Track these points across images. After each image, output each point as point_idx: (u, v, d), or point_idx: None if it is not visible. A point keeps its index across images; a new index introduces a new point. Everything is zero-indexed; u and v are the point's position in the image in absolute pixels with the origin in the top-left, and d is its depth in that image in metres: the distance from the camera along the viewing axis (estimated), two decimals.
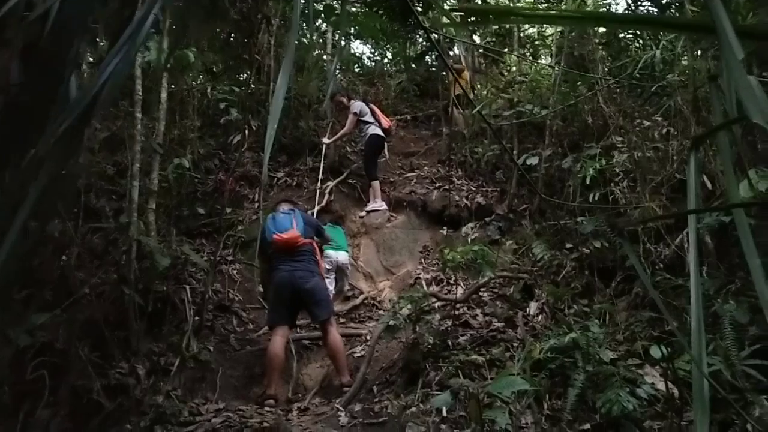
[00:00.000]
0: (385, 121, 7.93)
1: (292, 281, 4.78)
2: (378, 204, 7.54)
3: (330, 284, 5.98)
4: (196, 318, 4.96)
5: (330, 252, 6.07)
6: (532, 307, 5.04)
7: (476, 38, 10.76)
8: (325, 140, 7.87)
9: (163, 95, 6.06)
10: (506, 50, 8.50)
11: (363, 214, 7.57)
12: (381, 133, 7.76)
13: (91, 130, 6.80)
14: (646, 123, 5.79)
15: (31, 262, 4.73)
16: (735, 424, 3.01)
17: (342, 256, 6.19)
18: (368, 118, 7.79)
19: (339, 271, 6.21)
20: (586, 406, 3.52)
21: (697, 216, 4.18)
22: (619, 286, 5.04)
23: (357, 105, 7.85)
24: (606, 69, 6.62)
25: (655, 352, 3.36)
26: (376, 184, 7.64)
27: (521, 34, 9.15)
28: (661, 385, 3.46)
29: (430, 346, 4.38)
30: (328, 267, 5.99)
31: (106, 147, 6.58)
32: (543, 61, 9.73)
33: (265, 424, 3.61)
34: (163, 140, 6.06)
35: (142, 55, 5.25)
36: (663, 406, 3.34)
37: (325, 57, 10.18)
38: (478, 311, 5.07)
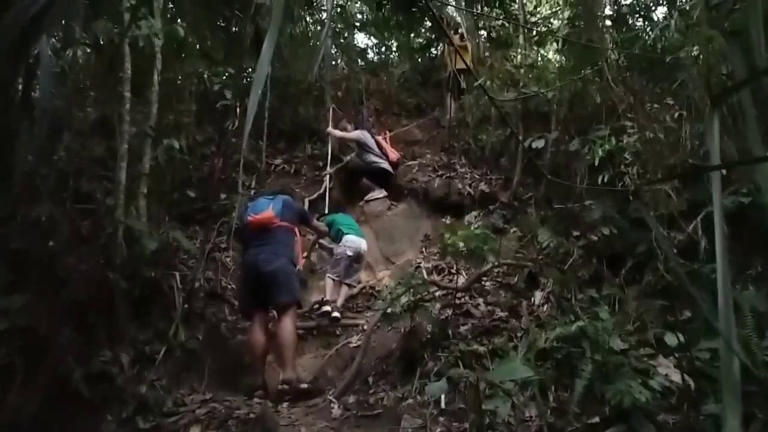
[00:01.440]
0: (393, 155, 7.68)
1: (255, 264, 4.54)
2: (377, 192, 7.33)
3: (343, 271, 5.71)
4: (186, 305, 4.74)
5: (353, 238, 5.81)
6: (537, 296, 4.81)
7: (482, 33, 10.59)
8: (330, 130, 7.59)
9: (156, 77, 5.86)
10: (514, 31, 8.25)
11: (362, 203, 7.36)
12: (390, 169, 7.54)
13: (84, 112, 6.66)
14: (657, 106, 5.55)
15: (18, 245, 4.57)
16: (758, 417, 2.77)
17: (364, 244, 5.90)
18: (375, 150, 7.54)
19: (359, 259, 5.89)
20: (594, 398, 3.29)
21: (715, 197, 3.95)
22: (629, 274, 4.81)
23: (360, 132, 7.63)
24: (615, 52, 6.38)
25: (671, 340, 3.12)
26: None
27: (527, 20, 8.91)
28: (675, 377, 3.23)
29: (429, 336, 4.16)
30: (349, 254, 5.73)
31: (99, 132, 6.40)
32: (549, 49, 9.50)
33: (252, 416, 3.39)
34: (157, 124, 5.86)
35: (132, 32, 5.03)
36: (678, 399, 3.11)
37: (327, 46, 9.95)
38: (480, 300, 4.84)
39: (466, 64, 7.30)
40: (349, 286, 5.82)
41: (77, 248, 4.75)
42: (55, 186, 5.63)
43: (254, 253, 4.58)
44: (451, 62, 8.79)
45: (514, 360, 3.24)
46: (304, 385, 4.25)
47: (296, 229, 4.89)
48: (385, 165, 7.47)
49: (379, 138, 7.81)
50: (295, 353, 4.45)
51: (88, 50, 6.83)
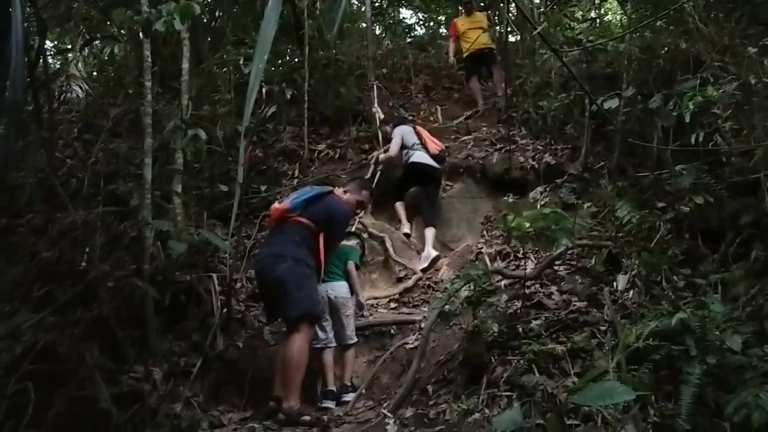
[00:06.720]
0: (433, 145, 6.29)
1: (258, 268, 3.96)
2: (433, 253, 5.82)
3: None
4: (224, 310, 4.34)
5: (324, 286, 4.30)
6: (621, 280, 4.11)
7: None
8: (382, 156, 6.53)
9: (185, 65, 5.47)
10: None
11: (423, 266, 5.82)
12: (423, 161, 6.13)
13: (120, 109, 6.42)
14: (753, 49, 4.71)
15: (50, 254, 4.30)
16: None
17: (337, 289, 4.27)
18: (414, 144, 6.27)
19: (334, 311, 4.32)
20: (707, 410, 2.64)
21: None
22: (730, 251, 4.07)
23: (399, 130, 6.35)
24: None
25: None
26: (431, 232, 5.94)
27: None
28: None
29: (495, 335, 3.56)
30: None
31: (134, 129, 6.14)
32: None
33: None
34: (192, 117, 5.49)
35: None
36: None
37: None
38: (554, 288, 4.20)
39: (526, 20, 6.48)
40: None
41: (111, 255, 4.45)
42: (89, 190, 5.39)
43: (260, 255, 4.00)
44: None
45: (605, 369, 2.61)
46: (306, 417, 3.54)
47: (313, 230, 3.98)
48: (421, 156, 6.20)
49: (420, 129, 6.53)
50: (300, 378, 3.65)
51: (119, 43, 6.55)
